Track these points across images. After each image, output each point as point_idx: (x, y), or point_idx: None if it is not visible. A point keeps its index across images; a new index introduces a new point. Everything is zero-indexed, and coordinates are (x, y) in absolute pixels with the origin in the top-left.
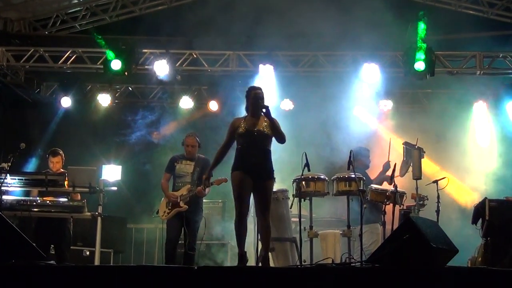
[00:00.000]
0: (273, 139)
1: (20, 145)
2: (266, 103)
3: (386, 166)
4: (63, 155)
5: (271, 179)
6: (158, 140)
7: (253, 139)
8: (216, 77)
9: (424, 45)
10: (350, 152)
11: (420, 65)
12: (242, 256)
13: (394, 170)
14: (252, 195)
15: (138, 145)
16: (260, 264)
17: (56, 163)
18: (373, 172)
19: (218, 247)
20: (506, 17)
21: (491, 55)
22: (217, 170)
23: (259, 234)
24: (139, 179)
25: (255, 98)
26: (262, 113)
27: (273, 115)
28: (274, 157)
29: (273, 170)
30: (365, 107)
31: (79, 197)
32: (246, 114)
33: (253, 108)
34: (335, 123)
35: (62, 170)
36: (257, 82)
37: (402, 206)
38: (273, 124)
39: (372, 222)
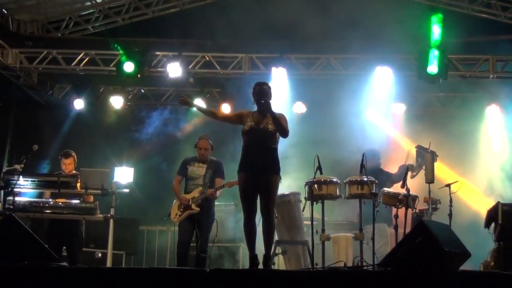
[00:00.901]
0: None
1: (33, 147)
2: (273, 99)
3: (403, 168)
4: (75, 157)
5: (275, 174)
6: (182, 136)
7: (257, 137)
8: (229, 79)
9: (437, 49)
10: (363, 155)
11: (433, 69)
12: (253, 258)
13: (406, 173)
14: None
15: (150, 147)
16: (261, 265)
17: (68, 165)
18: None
19: (230, 249)
20: None
21: (504, 59)
22: (230, 172)
23: (262, 232)
24: (151, 181)
25: (257, 93)
26: (261, 106)
27: (286, 117)
28: (286, 161)
29: (279, 167)
30: (378, 110)
31: (91, 199)
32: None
33: (258, 105)
34: (347, 126)
35: (75, 172)
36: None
37: (414, 209)
38: (274, 118)
39: (377, 222)
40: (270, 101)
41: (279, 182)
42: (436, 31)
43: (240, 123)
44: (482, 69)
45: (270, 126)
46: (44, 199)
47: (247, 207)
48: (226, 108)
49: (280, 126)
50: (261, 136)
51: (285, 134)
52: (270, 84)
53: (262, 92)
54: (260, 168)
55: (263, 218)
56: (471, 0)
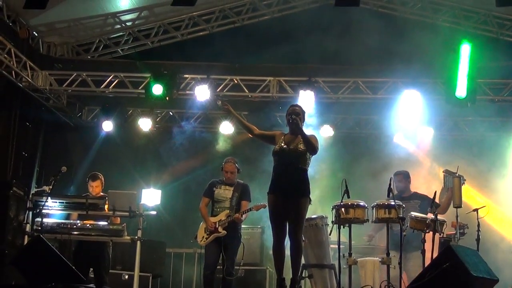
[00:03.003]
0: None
1: (62, 169)
2: (305, 121)
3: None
4: (102, 179)
5: (305, 197)
6: (210, 159)
7: (287, 157)
8: (257, 102)
9: (466, 73)
10: (390, 180)
11: (461, 93)
12: (281, 281)
13: (434, 198)
14: None
15: (178, 169)
16: None
17: (95, 187)
18: None
19: (256, 272)
20: None
21: None
22: (256, 196)
23: (290, 256)
24: (178, 204)
25: (289, 113)
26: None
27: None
28: (313, 184)
29: (309, 190)
30: (406, 134)
31: (118, 220)
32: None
33: (289, 125)
34: (375, 149)
35: (102, 194)
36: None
37: (442, 234)
38: (303, 137)
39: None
40: (302, 122)
41: (308, 205)
42: (465, 55)
43: (272, 143)
44: (510, 94)
45: (300, 146)
46: (71, 221)
47: (276, 230)
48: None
49: (309, 142)
50: (292, 156)
51: (313, 151)
52: (303, 107)
53: (294, 112)
54: (290, 190)
55: (291, 241)
56: (500, 25)
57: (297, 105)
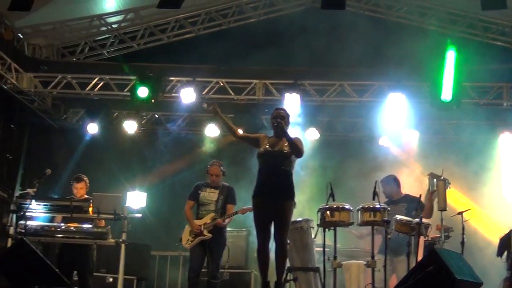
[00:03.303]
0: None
1: (46, 171)
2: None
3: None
4: (87, 181)
5: (290, 200)
6: (195, 162)
7: (272, 159)
8: (243, 105)
9: (451, 76)
10: (375, 183)
11: (446, 96)
12: (266, 285)
13: (419, 201)
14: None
15: (163, 172)
16: None
17: (80, 189)
18: None
19: (241, 275)
20: None
21: None
22: (242, 197)
23: (274, 259)
24: (163, 206)
25: (274, 116)
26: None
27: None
28: (298, 186)
29: (294, 192)
30: (391, 137)
31: (103, 223)
32: None
33: (273, 128)
34: (360, 152)
35: (87, 196)
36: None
37: (427, 237)
38: (288, 139)
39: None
40: (287, 126)
41: (293, 208)
42: (450, 58)
43: (255, 145)
44: (496, 97)
45: (285, 148)
46: (56, 224)
47: (261, 234)
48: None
49: (294, 145)
50: (277, 158)
51: (299, 153)
52: (288, 111)
53: (279, 116)
54: (274, 192)
55: (276, 245)
56: (486, 28)
57: (281, 109)
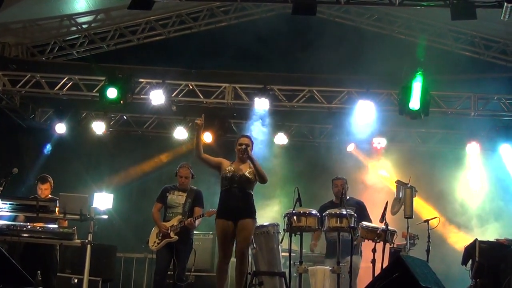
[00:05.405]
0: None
1: (13, 170)
2: (253, 147)
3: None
4: (52, 182)
5: (252, 218)
6: (163, 164)
7: (236, 183)
8: (212, 109)
9: (419, 85)
10: (296, 189)
11: (415, 105)
12: None
13: (385, 208)
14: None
15: (131, 174)
16: None
17: (44, 190)
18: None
19: (206, 278)
20: (502, 60)
21: (485, 97)
22: (209, 202)
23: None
24: (130, 208)
25: (239, 143)
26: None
27: (265, 149)
28: (264, 190)
29: (255, 211)
30: (359, 144)
31: (66, 223)
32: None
33: (239, 153)
34: (328, 158)
35: (51, 196)
36: (251, 115)
37: (392, 244)
38: (254, 165)
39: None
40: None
41: (255, 224)
42: (418, 67)
43: (216, 169)
44: (464, 107)
45: (250, 175)
46: (22, 223)
47: (224, 252)
48: (207, 137)
49: (261, 175)
50: (241, 182)
51: (263, 180)
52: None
53: (244, 143)
54: (237, 213)
55: (237, 260)
56: (455, 38)
57: (247, 136)
